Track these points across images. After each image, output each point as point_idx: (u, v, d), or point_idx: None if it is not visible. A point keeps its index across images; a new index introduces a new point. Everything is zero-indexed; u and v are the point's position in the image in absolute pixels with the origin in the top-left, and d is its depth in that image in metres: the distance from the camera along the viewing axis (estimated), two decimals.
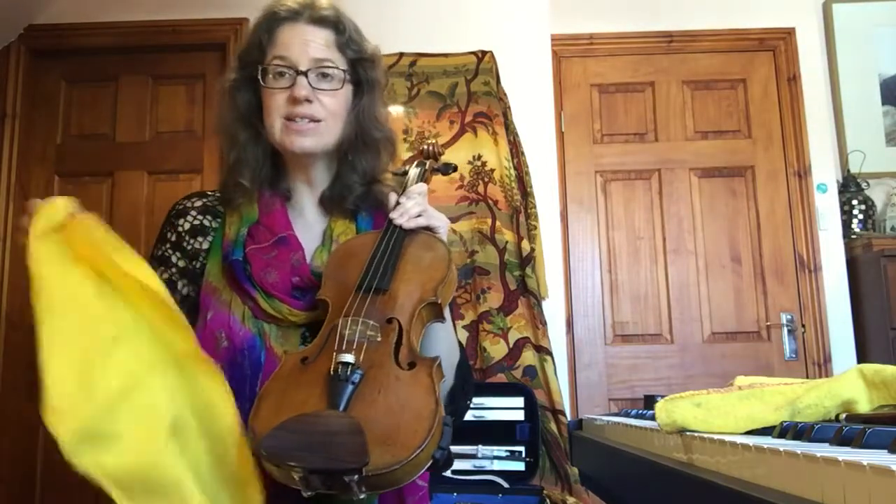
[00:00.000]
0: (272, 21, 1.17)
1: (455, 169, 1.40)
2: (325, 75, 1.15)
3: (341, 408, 0.85)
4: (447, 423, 0.87)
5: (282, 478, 0.83)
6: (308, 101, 1.13)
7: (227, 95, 1.20)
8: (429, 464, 0.84)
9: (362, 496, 0.80)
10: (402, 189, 1.20)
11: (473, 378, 1.40)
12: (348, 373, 0.88)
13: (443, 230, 1.15)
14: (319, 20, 1.17)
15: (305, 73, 1.13)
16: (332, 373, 0.89)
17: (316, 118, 1.15)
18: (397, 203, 1.15)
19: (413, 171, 1.25)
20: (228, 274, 1.13)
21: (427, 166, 1.28)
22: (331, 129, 1.17)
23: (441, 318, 1.06)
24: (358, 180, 1.21)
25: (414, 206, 1.13)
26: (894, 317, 2.69)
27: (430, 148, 1.32)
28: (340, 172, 1.22)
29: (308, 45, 1.15)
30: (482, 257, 2.67)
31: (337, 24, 1.17)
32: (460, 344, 1.27)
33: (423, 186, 1.20)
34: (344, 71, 1.17)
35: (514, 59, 2.85)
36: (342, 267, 1.08)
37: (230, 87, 1.20)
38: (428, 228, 1.13)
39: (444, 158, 1.35)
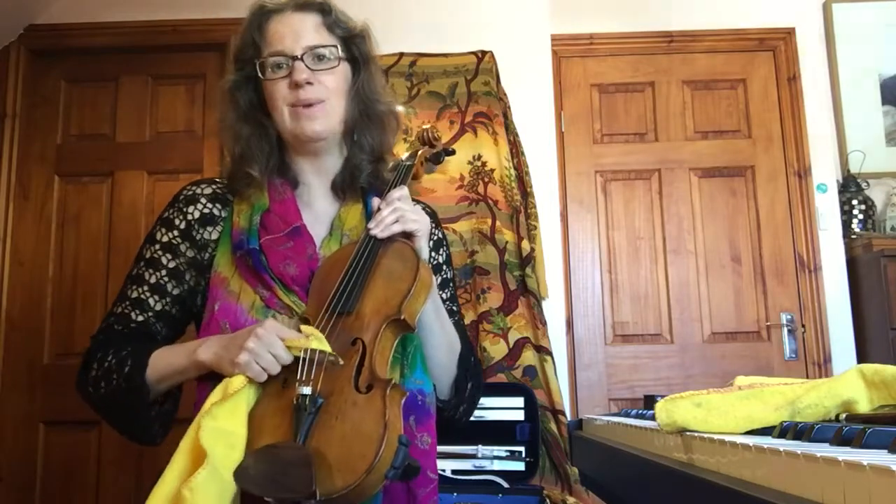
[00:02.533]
0: (260, 16, 1.21)
1: (452, 153, 1.41)
2: (320, 57, 1.18)
3: (301, 439, 0.93)
4: (403, 443, 0.93)
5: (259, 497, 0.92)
6: (309, 83, 1.16)
7: (228, 95, 1.22)
8: (383, 483, 0.92)
9: None
10: (388, 188, 1.20)
11: (481, 371, 1.41)
12: (307, 402, 0.96)
13: (421, 233, 1.14)
14: (305, 6, 1.21)
15: (301, 58, 1.16)
16: (295, 403, 0.96)
17: (320, 99, 1.17)
18: (378, 209, 1.15)
19: (402, 166, 1.26)
20: (241, 263, 1.13)
21: (417, 158, 1.28)
22: (335, 107, 1.20)
23: (410, 330, 1.08)
24: (367, 158, 1.24)
25: (390, 214, 1.12)
26: (894, 317, 2.69)
27: (425, 134, 1.34)
28: (350, 154, 1.24)
29: (298, 32, 1.18)
30: (482, 257, 2.66)
31: (322, 7, 1.21)
32: (465, 337, 1.27)
33: (402, 190, 1.18)
34: (336, 47, 1.20)
35: (514, 59, 2.85)
36: (323, 283, 1.11)
37: (230, 88, 1.22)
38: (406, 233, 1.13)
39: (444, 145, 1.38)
